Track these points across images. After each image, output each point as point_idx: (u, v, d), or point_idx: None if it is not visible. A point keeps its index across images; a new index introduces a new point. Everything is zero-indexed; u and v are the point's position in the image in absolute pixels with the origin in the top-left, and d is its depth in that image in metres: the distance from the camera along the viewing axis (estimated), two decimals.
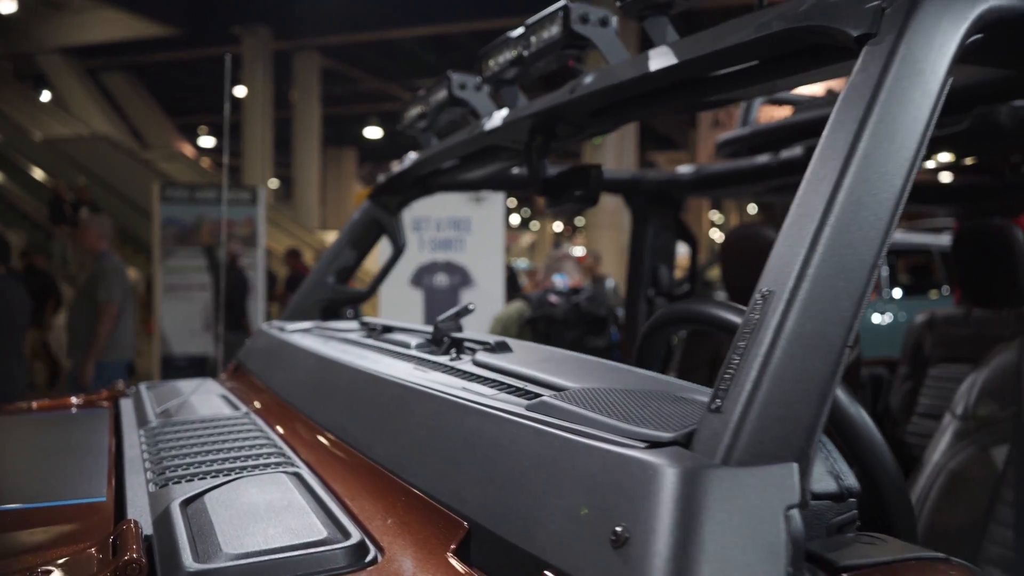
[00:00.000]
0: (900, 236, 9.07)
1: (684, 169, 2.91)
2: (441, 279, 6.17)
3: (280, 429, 1.36)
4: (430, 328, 1.60)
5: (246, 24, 17.87)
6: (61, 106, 21.65)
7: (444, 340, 1.42)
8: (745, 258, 2.63)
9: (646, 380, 0.99)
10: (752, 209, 32.77)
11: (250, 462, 1.14)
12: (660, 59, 1.25)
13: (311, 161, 19.87)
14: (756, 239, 2.62)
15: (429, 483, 0.94)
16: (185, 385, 1.95)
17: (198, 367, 9.02)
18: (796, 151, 2.46)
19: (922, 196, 2.98)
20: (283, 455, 1.18)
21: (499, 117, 1.76)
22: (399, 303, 5.89)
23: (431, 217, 6.06)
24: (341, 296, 2.46)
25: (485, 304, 5.69)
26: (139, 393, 1.87)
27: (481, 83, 1.90)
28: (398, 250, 2.44)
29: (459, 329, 1.43)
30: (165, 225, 9.03)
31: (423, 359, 1.35)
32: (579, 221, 37.93)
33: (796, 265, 0.74)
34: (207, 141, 27.57)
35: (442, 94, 2.01)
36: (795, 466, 0.67)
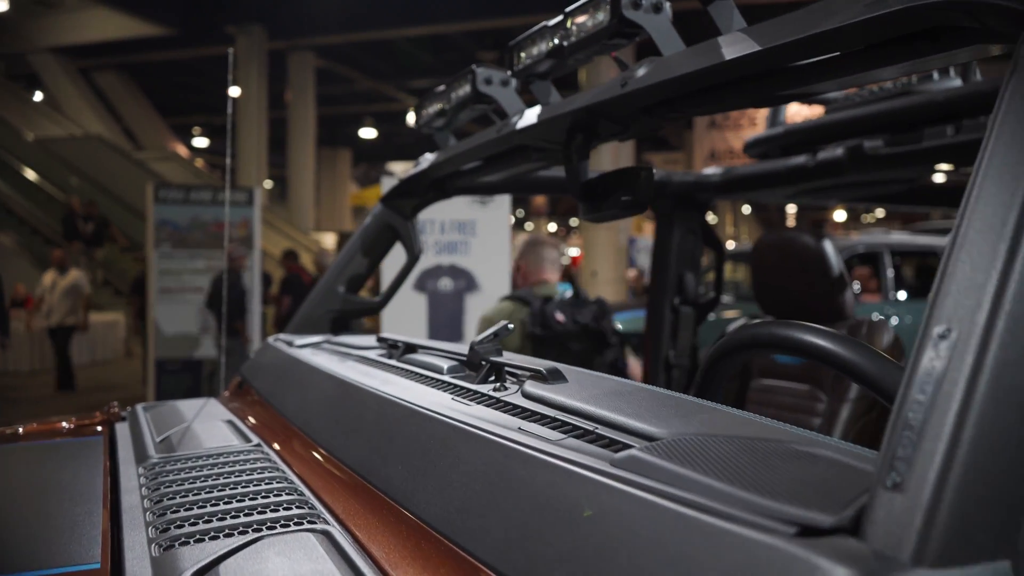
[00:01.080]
0: (906, 238, 8.97)
1: (712, 171, 2.76)
2: (446, 283, 5.99)
3: (299, 469, 1.20)
4: (460, 348, 1.45)
5: (240, 24, 17.65)
6: (53, 106, 21.41)
7: (482, 364, 1.25)
8: (780, 266, 2.48)
9: (746, 425, 0.82)
10: (746, 209, 32.65)
11: (270, 514, 0.97)
12: (736, 47, 1.09)
13: (306, 162, 19.65)
14: (791, 245, 2.46)
15: (493, 553, 0.77)
16: (186, 407, 1.78)
17: (193, 371, 8.85)
18: (837, 152, 2.31)
19: (949, 198, 2.83)
20: (307, 504, 1.01)
21: (533, 114, 1.60)
22: (402, 308, 5.71)
23: (435, 220, 5.88)
24: (352, 307, 2.30)
25: None
26: (136, 416, 1.71)
27: (510, 77, 1.74)
28: (413, 258, 2.28)
29: (498, 352, 1.26)
30: (159, 226, 8.85)
31: (461, 387, 1.19)
32: (573, 221, 37.71)
33: (986, 296, 0.58)
34: (201, 142, 27.35)
35: (465, 90, 1.85)
36: (1008, 565, 0.51)
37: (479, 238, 5.96)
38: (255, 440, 1.38)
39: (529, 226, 34.90)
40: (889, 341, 2.25)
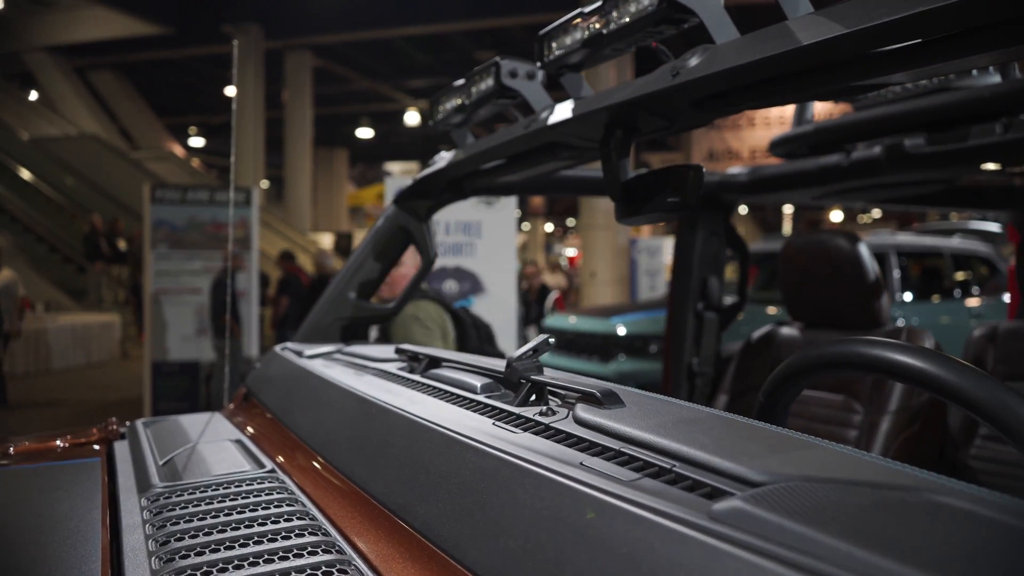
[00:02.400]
0: (912, 239, 8.86)
1: (737, 170, 2.65)
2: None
3: (320, 501, 1.08)
4: (492, 363, 1.32)
5: (237, 23, 17.52)
6: (49, 105, 21.24)
7: (521, 383, 1.13)
8: (812, 270, 2.36)
9: (861, 466, 0.70)
10: (743, 210, 32.55)
11: (293, 560, 0.85)
12: (810, 32, 0.98)
13: (303, 162, 19.50)
14: (825, 248, 2.35)
15: None
16: (189, 423, 1.66)
17: (190, 372, 8.71)
18: (874, 151, 2.20)
19: (979, 199, 2.72)
20: (335, 548, 0.89)
21: (566, 108, 1.48)
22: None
23: (439, 220, 5.74)
24: (364, 314, 2.18)
25: (496, 313, 5.37)
26: (136, 434, 1.58)
27: (537, 70, 1.63)
28: (428, 262, 2.16)
29: (539, 370, 1.14)
30: (156, 227, 8.71)
31: (501, 410, 1.07)
32: (570, 221, 37.51)
33: None
34: (197, 141, 27.18)
35: (487, 83, 1.73)
36: None
37: (485, 240, 5.81)
38: (268, 465, 1.26)
39: (526, 226, 34.79)
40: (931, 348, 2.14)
